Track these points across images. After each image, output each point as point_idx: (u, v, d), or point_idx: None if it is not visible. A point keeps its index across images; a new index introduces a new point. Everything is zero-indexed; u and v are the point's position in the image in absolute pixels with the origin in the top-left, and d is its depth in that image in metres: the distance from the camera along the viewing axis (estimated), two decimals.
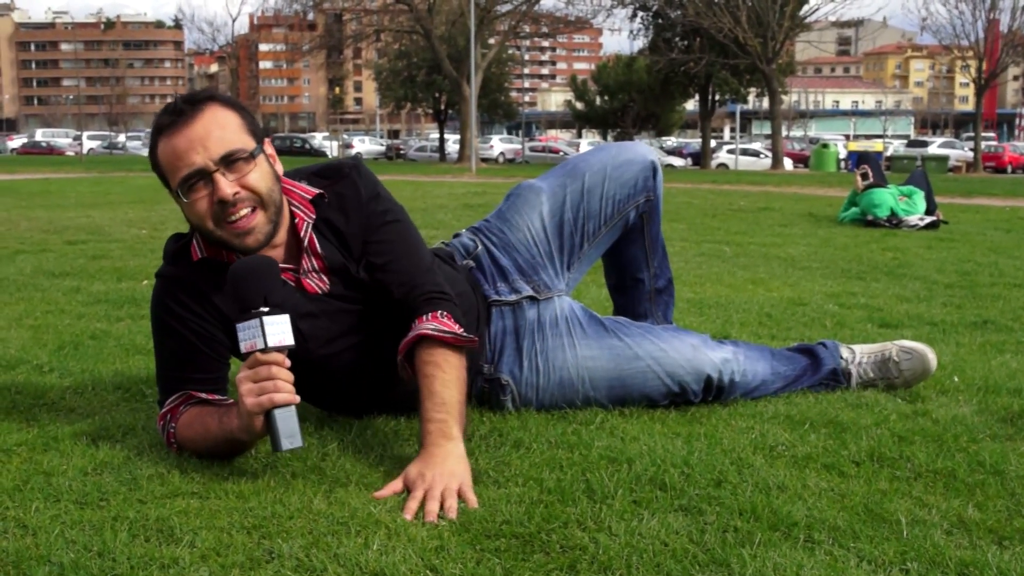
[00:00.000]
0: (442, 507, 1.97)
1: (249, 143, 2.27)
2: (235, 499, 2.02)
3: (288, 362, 2.12)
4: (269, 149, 2.36)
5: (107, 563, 1.71)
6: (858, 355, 2.96)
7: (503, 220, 2.82)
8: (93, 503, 2.00)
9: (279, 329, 2.09)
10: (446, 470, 2.08)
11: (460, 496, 2.02)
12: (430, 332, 2.30)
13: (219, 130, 2.24)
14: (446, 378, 2.26)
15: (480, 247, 2.77)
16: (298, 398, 2.11)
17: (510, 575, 1.69)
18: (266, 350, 2.08)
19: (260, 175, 2.27)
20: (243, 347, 2.10)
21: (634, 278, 3.03)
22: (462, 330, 2.34)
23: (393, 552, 1.75)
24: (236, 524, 1.88)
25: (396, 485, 2.09)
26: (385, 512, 1.94)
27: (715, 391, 2.75)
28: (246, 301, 2.09)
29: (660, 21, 45.60)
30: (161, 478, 2.14)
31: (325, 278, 2.41)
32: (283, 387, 2.09)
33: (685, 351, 2.72)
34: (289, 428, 2.08)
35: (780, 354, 2.97)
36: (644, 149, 2.95)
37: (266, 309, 2.08)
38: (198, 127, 2.22)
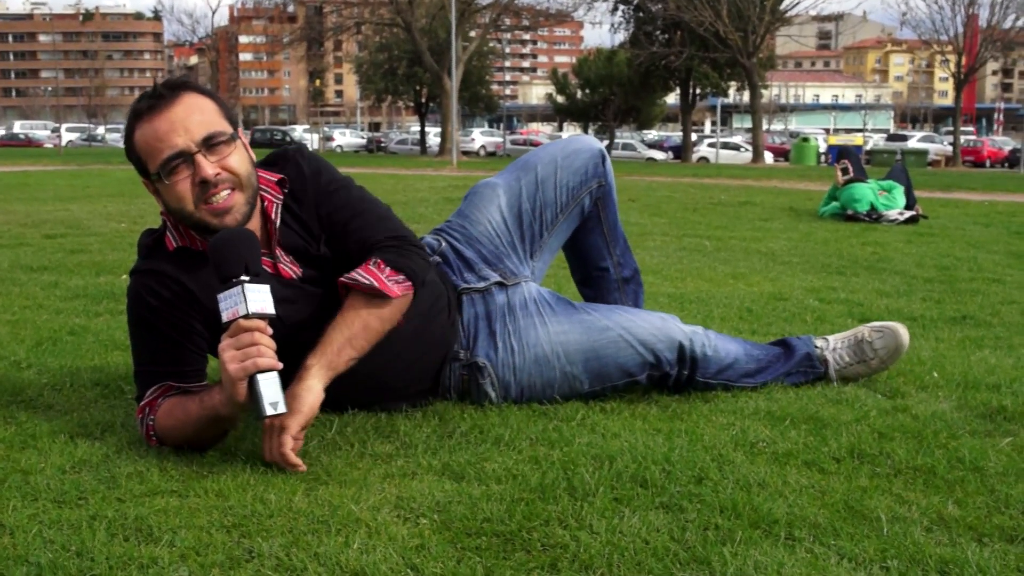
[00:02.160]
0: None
1: (227, 127, 2.33)
2: (215, 497, 2.01)
3: (270, 330, 2.14)
4: (243, 138, 2.40)
5: (85, 563, 1.70)
6: (832, 342, 3.00)
7: (463, 217, 2.88)
8: (71, 502, 1.98)
9: (260, 296, 2.11)
10: (308, 405, 2.25)
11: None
12: (343, 280, 2.39)
13: (199, 113, 2.29)
14: (336, 321, 2.36)
15: (444, 244, 2.83)
16: (280, 364, 2.12)
17: (491, 574, 1.69)
18: (248, 316, 2.09)
19: (239, 158, 2.33)
20: (225, 316, 2.11)
21: (598, 268, 3.08)
22: (387, 274, 2.39)
23: (374, 551, 1.74)
24: (216, 523, 1.87)
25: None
26: (366, 510, 1.93)
27: (689, 363, 2.78)
28: (227, 270, 2.10)
29: (641, 14, 45.59)
30: (140, 476, 2.13)
31: (296, 262, 2.45)
32: (266, 352, 2.11)
33: (654, 321, 2.79)
34: (273, 394, 2.09)
35: (752, 343, 3.03)
36: (591, 139, 3.04)
37: (247, 278, 2.09)
38: (179, 110, 2.27)
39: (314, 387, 2.27)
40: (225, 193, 2.28)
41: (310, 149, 2.59)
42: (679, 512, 1.94)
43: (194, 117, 2.27)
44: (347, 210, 2.49)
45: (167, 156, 2.25)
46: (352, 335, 2.34)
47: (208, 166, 2.25)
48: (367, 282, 2.36)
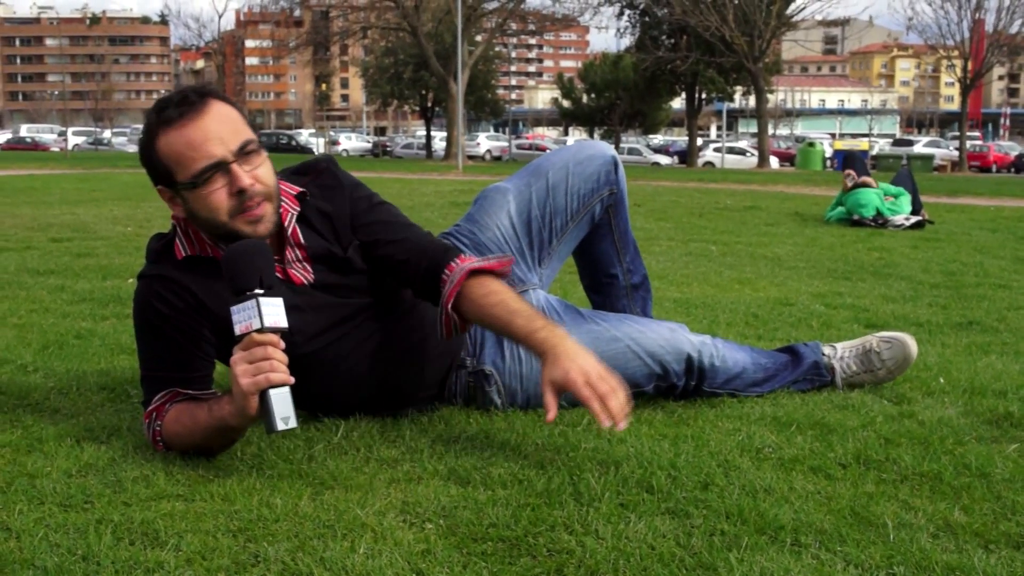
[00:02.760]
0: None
1: (254, 135, 2.33)
2: (221, 502, 2.01)
3: (283, 344, 2.12)
4: None
5: (91, 567, 1.70)
6: (840, 350, 2.98)
7: (472, 222, 2.86)
8: (77, 506, 1.99)
9: (274, 310, 2.10)
10: (588, 360, 2.24)
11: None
12: (476, 266, 2.41)
13: (230, 122, 2.29)
14: (514, 296, 2.38)
15: None
16: (293, 379, 2.11)
17: None
18: (262, 330, 2.08)
19: (267, 169, 2.33)
20: (238, 329, 2.09)
21: (608, 274, 3.06)
22: (495, 257, 2.49)
23: (379, 556, 1.74)
24: (222, 527, 1.87)
25: (550, 398, 2.23)
26: (372, 515, 1.93)
27: (697, 373, 2.77)
28: (241, 283, 2.09)
29: (647, 19, 45.70)
30: (146, 480, 2.13)
31: (309, 267, 2.45)
32: (279, 367, 2.09)
33: (663, 332, 2.77)
34: (284, 409, 2.08)
35: (760, 350, 3.01)
36: (604, 146, 3.00)
37: (261, 291, 2.09)
38: (212, 120, 2.25)
39: (571, 342, 2.29)
40: (258, 201, 2.28)
41: (337, 162, 2.61)
42: (685, 518, 1.94)
43: (226, 126, 2.26)
44: (392, 223, 2.54)
45: (204, 166, 2.23)
46: (518, 299, 2.40)
47: (244, 176, 2.25)
48: (499, 257, 2.49)
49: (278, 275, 2.38)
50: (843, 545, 1.82)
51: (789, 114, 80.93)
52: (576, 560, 1.75)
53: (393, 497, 2.04)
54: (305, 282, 2.44)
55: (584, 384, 2.19)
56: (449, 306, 2.39)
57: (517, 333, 2.32)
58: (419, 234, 2.55)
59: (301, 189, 2.48)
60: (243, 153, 2.26)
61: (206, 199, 2.26)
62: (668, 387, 2.77)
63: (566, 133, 70.56)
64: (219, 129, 2.24)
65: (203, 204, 2.27)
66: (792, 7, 43.32)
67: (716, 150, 49.53)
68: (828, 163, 42.25)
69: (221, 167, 2.24)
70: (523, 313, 2.33)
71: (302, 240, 2.44)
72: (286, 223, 2.42)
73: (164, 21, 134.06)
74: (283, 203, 2.42)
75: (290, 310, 2.26)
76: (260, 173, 2.29)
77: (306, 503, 2.00)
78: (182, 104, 2.26)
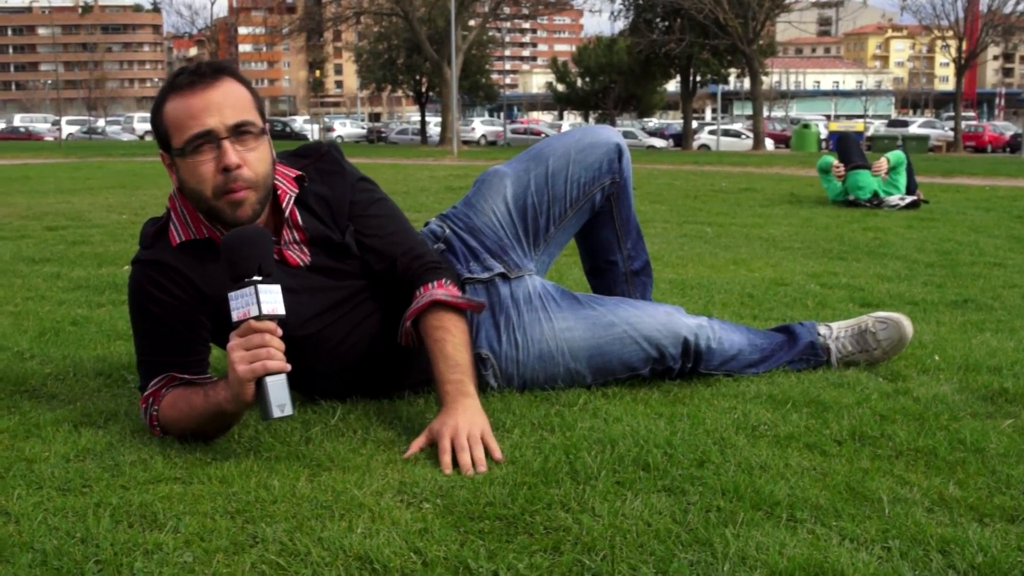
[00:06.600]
0: (472, 460, 2.14)
1: (259, 120, 2.34)
2: (218, 484, 2.02)
3: (280, 331, 2.13)
4: (268, 135, 2.41)
5: (90, 549, 1.71)
6: (835, 330, 2.98)
7: (469, 206, 2.85)
8: (76, 489, 1.99)
9: (272, 298, 2.11)
10: (467, 419, 2.23)
11: (484, 444, 2.19)
12: (442, 298, 2.43)
13: (235, 100, 2.31)
14: (456, 341, 2.40)
15: (448, 231, 2.80)
16: (289, 366, 2.12)
17: (494, 557, 1.69)
18: (259, 318, 2.09)
19: (261, 156, 2.33)
20: (235, 316, 2.10)
21: (607, 261, 3.05)
22: (466, 297, 2.52)
23: (377, 535, 1.75)
24: (219, 509, 1.88)
25: (421, 441, 2.24)
26: (369, 495, 1.94)
27: (693, 356, 2.77)
28: (240, 269, 2.10)
29: (641, 2, 45.46)
30: (144, 464, 2.14)
31: (306, 249, 2.46)
32: (276, 354, 2.10)
33: (659, 316, 2.76)
34: (280, 397, 2.09)
35: (756, 331, 3.01)
36: (609, 132, 2.96)
37: (259, 278, 2.09)
38: (216, 93, 2.28)
39: (479, 405, 2.34)
40: (240, 185, 2.28)
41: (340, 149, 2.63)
42: (681, 495, 1.95)
43: (230, 103, 2.28)
44: (390, 224, 2.57)
45: (195, 133, 2.25)
46: (470, 351, 2.44)
47: (233, 153, 2.26)
48: (468, 299, 2.52)
49: (274, 256, 2.38)
50: (839, 520, 1.83)
51: (784, 96, 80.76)
52: (573, 537, 1.76)
53: (390, 477, 2.05)
54: (301, 264, 2.45)
55: (447, 436, 2.19)
56: (408, 322, 2.46)
57: (436, 375, 2.38)
58: (413, 240, 2.57)
59: (300, 172, 2.48)
60: (238, 132, 2.27)
61: (194, 169, 2.28)
62: (664, 369, 2.77)
63: (561, 117, 70.51)
64: (221, 103, 2.27)
65: (191, 174, 2.29)
66: None
67: (711, 133, 49.43)
68: (823, 144, 42.20)
69: (211, 138, 2.26)
70: (450, 360, 2.37)
71: (300, 222, 2.44)
72: (284, 204, 2.42)
73: (156, 9, 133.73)
74: (280, 184, 2.43)
75: (285, 292, 2.26)
76: (251, 157, 2.29)
77: (303, 484, 2.01)
78: (195, 74, 2.30)
